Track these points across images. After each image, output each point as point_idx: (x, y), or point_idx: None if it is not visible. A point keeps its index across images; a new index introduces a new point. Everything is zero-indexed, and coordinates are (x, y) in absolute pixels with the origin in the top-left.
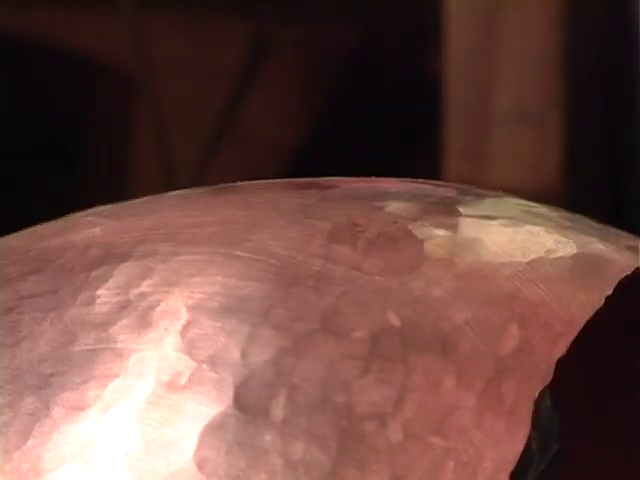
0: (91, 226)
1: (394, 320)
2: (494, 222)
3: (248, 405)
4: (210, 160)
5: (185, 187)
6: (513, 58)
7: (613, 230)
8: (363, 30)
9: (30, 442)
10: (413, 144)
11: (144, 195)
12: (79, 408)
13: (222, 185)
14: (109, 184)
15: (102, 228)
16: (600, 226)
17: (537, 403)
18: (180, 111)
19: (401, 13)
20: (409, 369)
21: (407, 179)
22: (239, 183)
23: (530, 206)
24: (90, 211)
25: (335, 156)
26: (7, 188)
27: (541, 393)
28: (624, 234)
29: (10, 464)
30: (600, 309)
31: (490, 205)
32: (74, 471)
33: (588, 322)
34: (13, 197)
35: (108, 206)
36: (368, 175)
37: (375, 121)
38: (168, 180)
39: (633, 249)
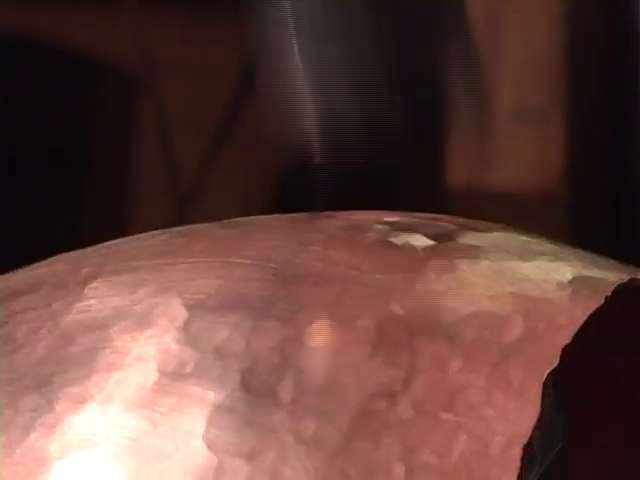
0: (80, 254)
1: (398, 310)
2: (489, 235)
3: (255, 388)
4: (213, 160)
5: (187, 187)
6: (515, 57)
7: (600, 257)
8: None
9: (33, 436)
10: (415, 144)
11: (146, 195)
12: (82, 401)
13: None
14: (111, 184)
15: (90, 253)
16: (588, 254)
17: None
18: (183, 111)
19: None
20: (416, 353)
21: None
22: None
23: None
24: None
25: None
26: (8, 188)
27: (544, 392)
28: (611, 260)
29: (13, 457)
30: (602, 309)
31: (482, 234)
32: (80, 458)
33: (590, 321)
34: (14, 198)
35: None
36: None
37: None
38: (171, 180)
39: (620, 269)
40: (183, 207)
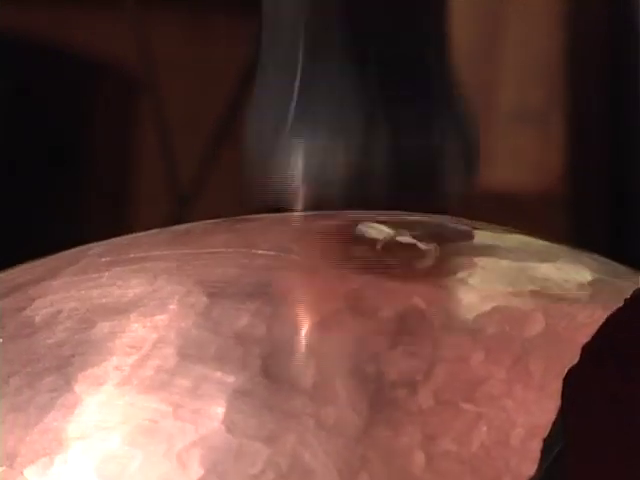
0: (98, 245)
1: (419, 303)
2: (506, 236)
3: (276, 373)
4: (213, 160)
5: (187, 187)
6: (516, 58)
7: (616, 263)
8: None
9: (52, 415)
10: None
11: (146, 195)
12: (101, 382)
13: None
14: (111, 184)
15: (111, 245)
16: (605, 259)
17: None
18: (183, 111)
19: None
20: (437, 344)
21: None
22: None
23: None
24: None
25: None
26: (8, 188)
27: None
28: (627, 268)
29: (31, 436)
30: (621, 311)
31: (500, 236)
32: (98, 438)
33: (602, 329)
34: (14, 197)
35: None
36: None
37: None
38: (171, 180)
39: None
40: (183, 207)
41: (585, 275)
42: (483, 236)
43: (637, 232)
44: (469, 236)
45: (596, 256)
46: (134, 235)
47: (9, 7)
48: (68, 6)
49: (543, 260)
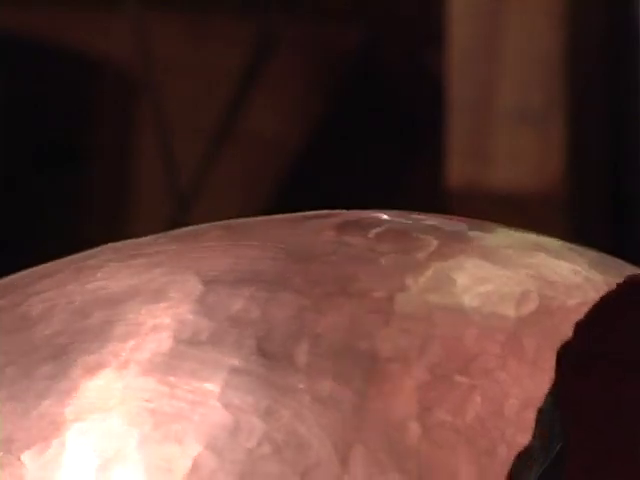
0: (95, 250)
1: (412, 285)
2: (501, 230)
3: (272, 352)
4: (212, 160)
5: (187, 187)
6: (515, 58)
7: (610, 256)
8: (365, 29)
9: (48, 401)
10: (415, 144)
11: (146, 195)
12: (98, 367)
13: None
14: (111, 185)
15: (106, 248)
16: (598, 253)
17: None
18: (182, 111)
19: (404, 12)
20: (431, 323)
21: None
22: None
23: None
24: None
25: (337, 156)
26: (8, 188)
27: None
28: (620, 260)
29: (29, 421)
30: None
31: (495, 229)
32: (95, 420)
33: (592, 319)
34: (14, 197)
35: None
36: (368, 178)
37: (377, 121)
38: (170, 180)
39: (630, 269)
40: (183, 207)
41: (580, 264)
42: (477, 230)
43: (637, 232)
44: (466, 230)
45: (589, 250)
46: (130, 240)
47: (9, 7)
48: (68, 6)
49: (538, 250)
